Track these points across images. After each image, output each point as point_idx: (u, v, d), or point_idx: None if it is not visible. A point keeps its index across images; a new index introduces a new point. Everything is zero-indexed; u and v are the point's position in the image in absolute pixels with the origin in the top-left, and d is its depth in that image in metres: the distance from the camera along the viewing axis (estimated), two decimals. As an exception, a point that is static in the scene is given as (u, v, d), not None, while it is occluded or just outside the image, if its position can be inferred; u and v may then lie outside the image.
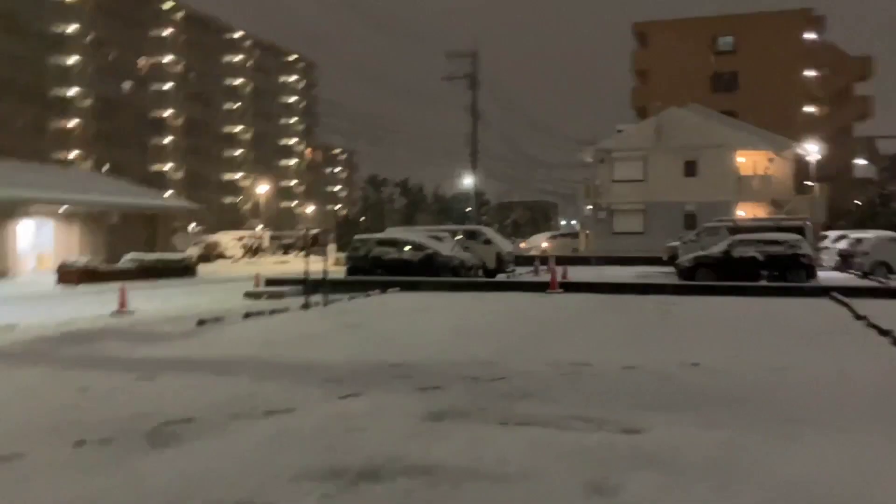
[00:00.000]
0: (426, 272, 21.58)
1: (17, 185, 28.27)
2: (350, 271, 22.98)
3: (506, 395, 6.77)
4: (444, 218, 54.52)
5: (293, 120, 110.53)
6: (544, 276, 20.67)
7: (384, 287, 19.25)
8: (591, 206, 44.57)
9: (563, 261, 26.69)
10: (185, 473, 4.55)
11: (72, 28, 73.11)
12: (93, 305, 17.14)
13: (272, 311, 13.87)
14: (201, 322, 11.93)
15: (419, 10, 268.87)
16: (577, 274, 23.76)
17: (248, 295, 19.08)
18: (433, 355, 8.98)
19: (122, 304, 15.07)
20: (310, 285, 19.83)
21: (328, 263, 17.95)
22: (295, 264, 42.13)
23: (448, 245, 23.85)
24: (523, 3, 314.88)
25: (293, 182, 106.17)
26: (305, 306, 14.98)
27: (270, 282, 20.97)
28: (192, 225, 56.55)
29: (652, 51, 60.29)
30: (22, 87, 66.35)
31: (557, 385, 7.23)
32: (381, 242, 23.61)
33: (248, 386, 7.19)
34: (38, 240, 29.58)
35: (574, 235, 49.84)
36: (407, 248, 22.91)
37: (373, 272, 22.06)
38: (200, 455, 4.93)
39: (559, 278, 19.85)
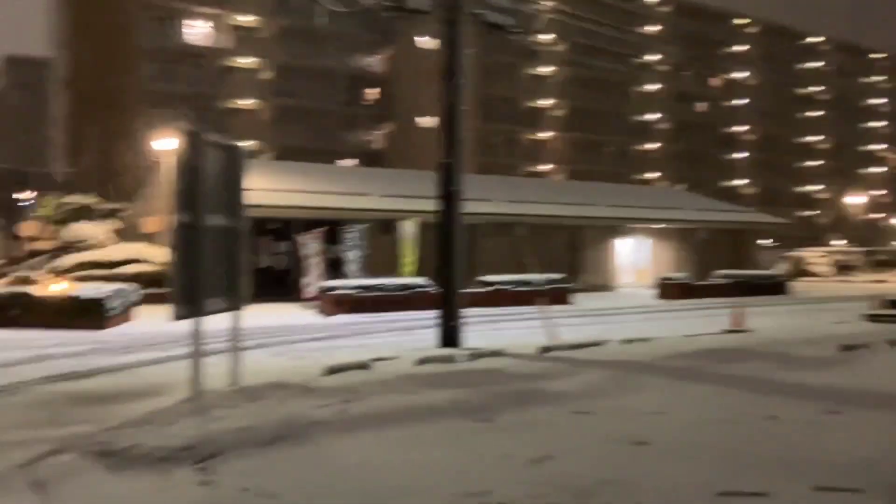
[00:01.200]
0: None
1: (619, 206, 30.72)
2: None
3: None
4: None
5: (879, 124, 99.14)
6: None
7: None
8: None
9: None
10: None
11: (654, 57, 77.82)
12: (701, 320, 17.24)
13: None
14: (847, 348, 10.64)
15: None
16: None
17: (869, 317, 16.92)
18: None
19: (739, 321, 14.70)
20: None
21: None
22: (894, 283, 37.13)
23: None
24: None
25: (880, 192, 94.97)
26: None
27: (893, 303, 18.31)
28: (769, 241, 54.56)
29: None
30: (608, 116, 73.12)
31: None
32: None
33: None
34: (637, 255, 31.61)
35: None
36: None
37: None
38: None
39: None
